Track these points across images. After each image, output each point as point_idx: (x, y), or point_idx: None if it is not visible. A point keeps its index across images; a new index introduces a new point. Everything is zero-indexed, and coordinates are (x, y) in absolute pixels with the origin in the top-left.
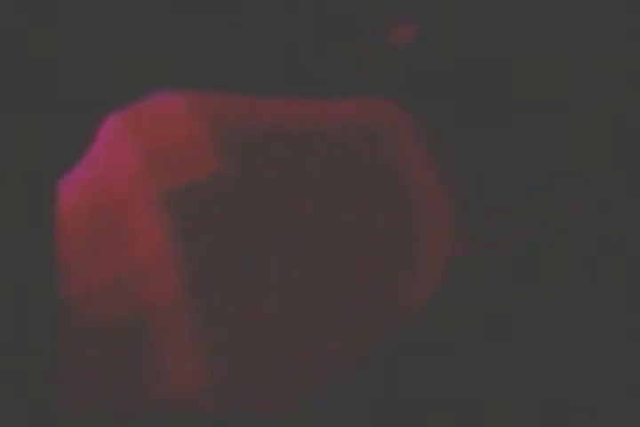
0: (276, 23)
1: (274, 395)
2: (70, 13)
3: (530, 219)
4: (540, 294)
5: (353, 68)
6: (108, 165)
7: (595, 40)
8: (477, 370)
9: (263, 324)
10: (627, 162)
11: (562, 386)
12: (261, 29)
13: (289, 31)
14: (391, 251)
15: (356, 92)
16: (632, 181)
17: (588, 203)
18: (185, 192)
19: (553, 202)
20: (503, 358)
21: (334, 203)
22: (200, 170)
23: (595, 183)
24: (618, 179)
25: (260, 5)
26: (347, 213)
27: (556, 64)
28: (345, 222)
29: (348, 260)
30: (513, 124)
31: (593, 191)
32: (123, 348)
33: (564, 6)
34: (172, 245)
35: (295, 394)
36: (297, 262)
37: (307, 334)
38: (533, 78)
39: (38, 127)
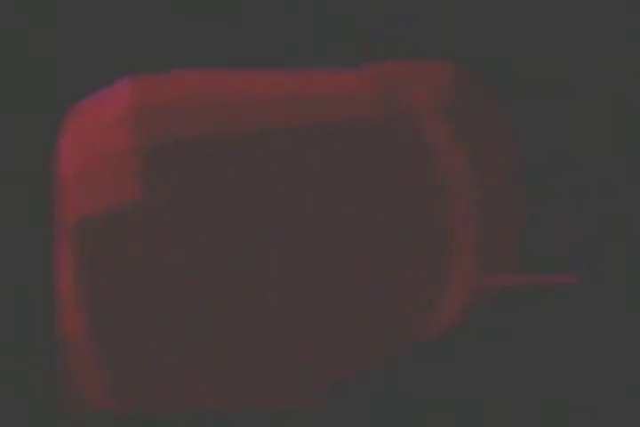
0: (276, 23)
1: (273, 392)
2: (70, 13)
3: (532, 203)
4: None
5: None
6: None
7: (596, 25)
8: (477, 370)
9: (263, 319)
10: (628, 146)
11: (562, 386)
12: (261, 29)
13: (289, 31)
14: (394, 247)
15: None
16: (634, 166)
17: (590, 187)
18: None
19: (554, 186)
20: (503, 357)
21: (341, 197)
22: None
23: (596, 167)
24: (619, 163)
25: (260, 5)
26: (351, 209)
27: (557, 48)
28: (351, 218)
29: (351, 256)
30: (514, 109)
31: (595, 175)
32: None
33: None
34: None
35: (295, 391)
36: (297, 257)
37: (307, 329)
38: (535, 62)
39: (38, 127)
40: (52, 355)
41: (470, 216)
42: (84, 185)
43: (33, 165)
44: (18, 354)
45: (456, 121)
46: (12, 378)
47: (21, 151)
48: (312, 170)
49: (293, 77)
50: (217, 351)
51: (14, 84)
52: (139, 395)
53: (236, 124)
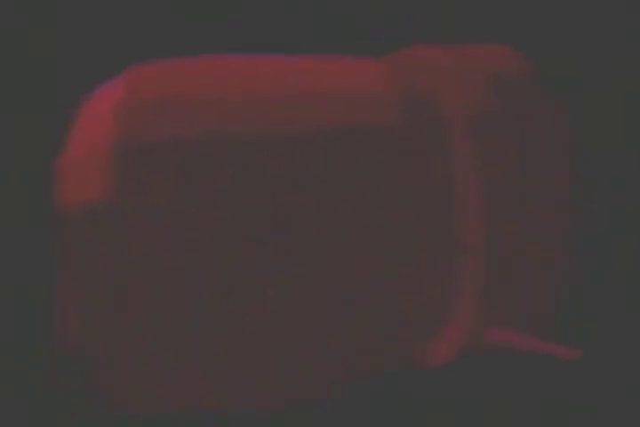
0: (276, 23)
1: (273, 392)
2: (70, 13)
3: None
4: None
5: None
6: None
7: (608, 17)
8: (477, 370)
9: (263, 319)
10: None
11: (562, 386)
12: (261, 29)
13: (289, 31)
14: (394, 248)
15: None
16: None
17: (601, 180)
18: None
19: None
20: (503, 357)
21: (340, 198)
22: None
23: (608, 160)
24: (631, 156)
25: (260, 5)
26: (351, 209)
27: (568, 41)
28: (351, 219)
29: (351, 256)
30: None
31: (606, 169)
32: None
33: None
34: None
35: (295, 391)
36: (297, 257)
37: (307, 329)
38: (546, 56)
39: (39, 127)
40: (52, 355)
41: (474, 215)
42: (81, 183)
43: (33, 164)
44: (18, 354)
45: (489, 117)
46: (11, 378)
47: (22, 151)
48: (312, 170)
49: (302, 68)
50: (217, 351)
51: (14, 84)
52: (139, 395)
53: (236, 119)
